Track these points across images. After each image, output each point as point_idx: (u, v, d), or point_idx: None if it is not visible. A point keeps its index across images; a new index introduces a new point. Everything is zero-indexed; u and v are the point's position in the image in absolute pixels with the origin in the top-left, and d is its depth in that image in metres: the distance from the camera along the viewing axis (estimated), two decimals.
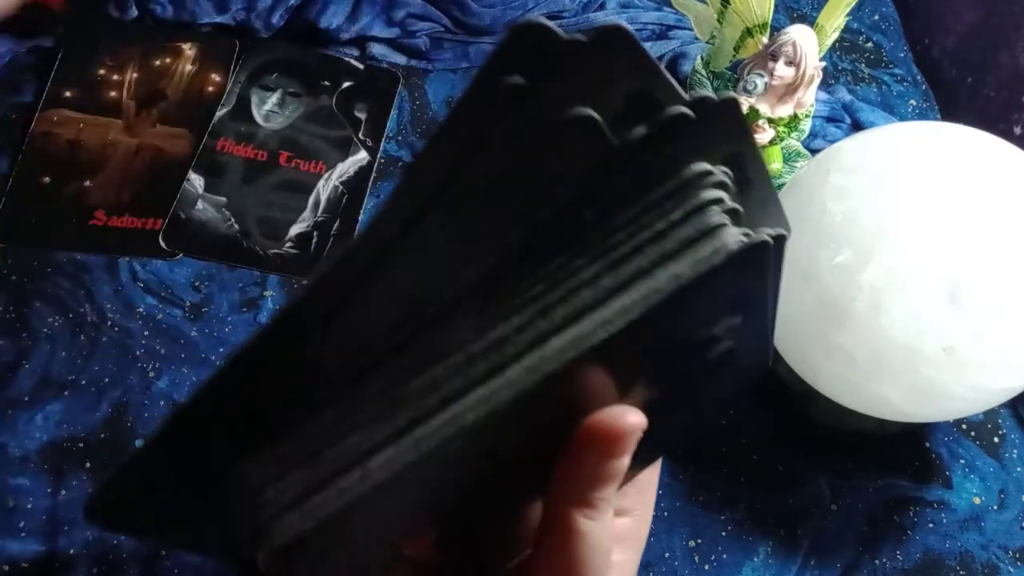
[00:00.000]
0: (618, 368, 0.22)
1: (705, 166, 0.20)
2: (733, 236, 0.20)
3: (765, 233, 0.20)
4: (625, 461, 0.23)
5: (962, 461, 0.50)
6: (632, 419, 0.22)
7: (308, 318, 0.18)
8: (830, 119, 0.63)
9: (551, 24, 0.17)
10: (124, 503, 0.20)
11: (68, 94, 0.55)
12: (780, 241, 0.21)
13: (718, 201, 0.20)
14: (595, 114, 0.18)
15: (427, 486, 0.22)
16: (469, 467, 0.22)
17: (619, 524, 0.26)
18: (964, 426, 0.51)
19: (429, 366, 0.20)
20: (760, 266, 0.21)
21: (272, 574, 0.20)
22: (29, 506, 0.41)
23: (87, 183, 0.52)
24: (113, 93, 0.56)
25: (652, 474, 0.28)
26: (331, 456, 0.20)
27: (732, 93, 0.20)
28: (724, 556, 0.45)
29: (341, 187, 0.55)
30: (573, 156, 0.19)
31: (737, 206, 0.21)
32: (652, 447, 0.24)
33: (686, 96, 0.19)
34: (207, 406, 0.19)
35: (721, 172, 0.20)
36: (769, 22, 0.53)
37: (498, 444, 0.22)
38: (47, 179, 0.52)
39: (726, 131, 0.20)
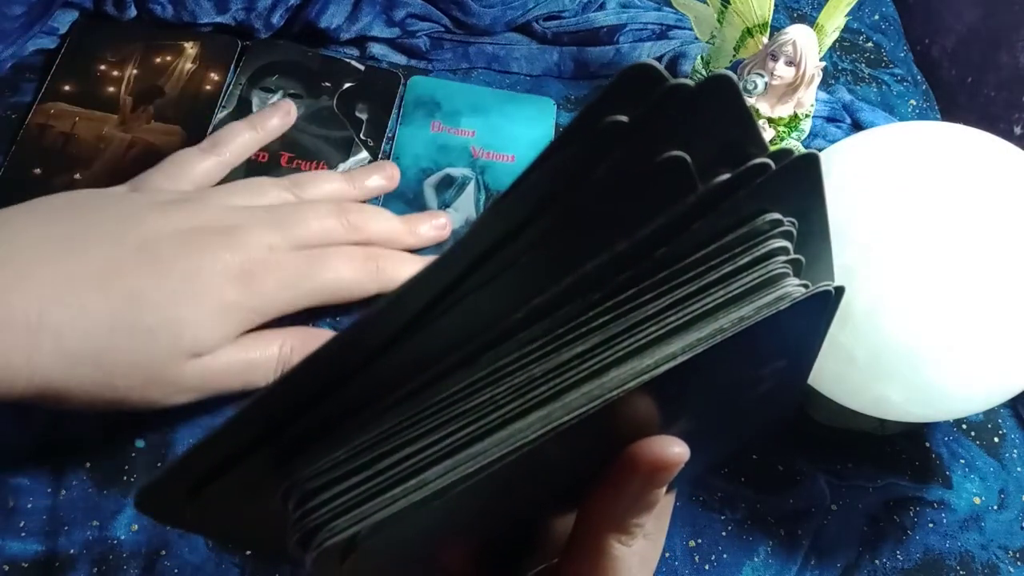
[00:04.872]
0: (667, 400, 0.22)
1: (776, 216, 0.21)
2: (794, 285, 0.21)
3: (829, 285, 0.21)
4: (663, 490, 0.23)
5: (962, 461, 0.50)
6: (677, 450, 0.23)
7: (380, 331, 0.19)
8: (830, 119, 0.63)
9: (661, 67, 0.17)
10: (173, 497, 0.21)
11: (67, 88, 0.55)
12: (839, 293, 0.22)
13: (783, 251, 0.21)
14: (688, 158, 0.19)
15: (477, 501, 0.22)
16: (515, 484, 0.23)
17: (647, 551, 0.27)
18: (964, 426, 0.51)
19: (491, 385, 0.20)
20: (818, 315, 0.22)
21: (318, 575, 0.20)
22: (29, 506, 0.41)
23: (77, 176, 0.52)
24: (111, 88, 0.56)
25: (668, 498, 0.28)
26: (387, 465, 0.20)
27: (815, 151, 0.20)
28: (724, 556, 0.45)
29: None
30: (660, 196, 0.19)
31: (800, 257, 0.21)
32: (679, 476, 0.24)
33: (770, 147, 0.20)
34: (269, 406, 0.20)
35: (788, 223, 0.21)
36: (769, 22, 0.53)
37: (546, 464, 0.22)
38: (38, 171, 0.52)
39: (802, 187, 0.21)
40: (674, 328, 0.21)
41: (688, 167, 0.19)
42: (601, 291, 0.20)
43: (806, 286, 0.21)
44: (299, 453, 0.21)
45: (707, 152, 0.19)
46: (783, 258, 0.21)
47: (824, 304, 0.22)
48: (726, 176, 0.19)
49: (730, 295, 0.21)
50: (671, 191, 0.19)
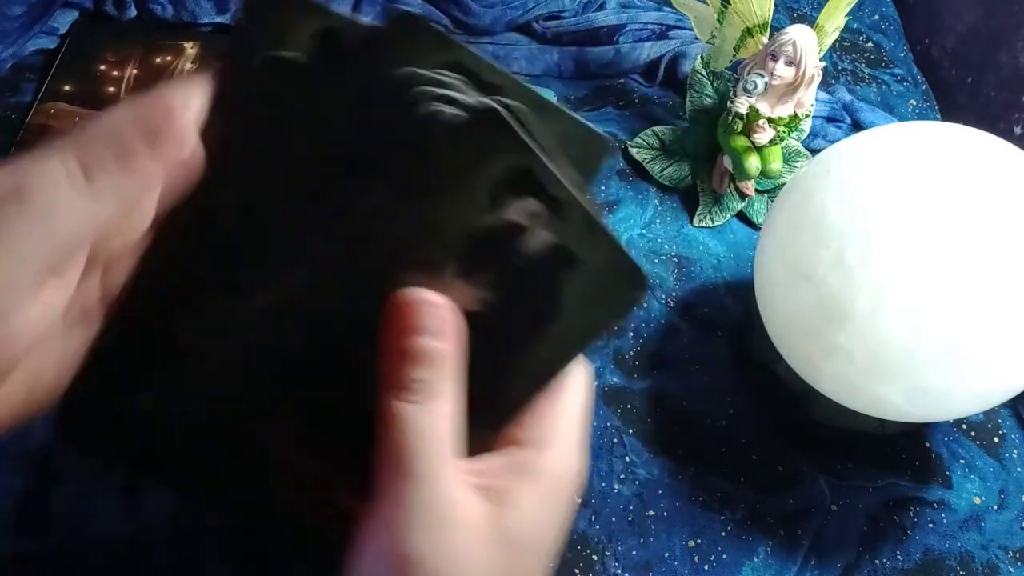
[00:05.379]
0: (427, 266, 0.24)
1: (409, 70, 0.23)
2: (449, 109, 0.23)
3: (497, 102, 0.23)
4: (433, 343, 0.23)
5: (962, 461, 0.50)
6: (430, 296, 0.23)
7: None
8: (830, 119, 0.63)
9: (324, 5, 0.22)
10: (89, 414, 0.24)
11: (67, 88, 0.55)
12: (521, 112, 0.23)
13: (430, 91, 0.23)
14: (287, 53, 0.23)
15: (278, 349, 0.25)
16: (315, 346, 0.25)
17: (516, 454, 0.25)
18: (964, 426, 0.51)
19: (263, 247, 0.24)
20: (506, 136, 0.23)
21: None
22: (29, 506, 0.41)
23: None
24: (112, 88, 0.56)
25: (554, 405, 0.26)
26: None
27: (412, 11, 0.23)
28: (724, 556, 0.45)
29: None
30: (282, 90, 0.23)
31: (458, 95, 0.23)
32: (513, 365, 0.25)
33: (371, 24, 0.24)
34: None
35: (450, 76, 0.23)
36: (769, 22, 0.53)
37: (331, 328, 0.25)
38: None
39: (418, 44, 0.24)
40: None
41: (288, 59, 0.23)
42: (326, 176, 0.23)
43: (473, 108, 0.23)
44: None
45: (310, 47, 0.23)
46: (431, 94, 0.22)
47: (500, 121, 0.23)
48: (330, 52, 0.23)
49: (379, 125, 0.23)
50: (286, 85, 0.23)
